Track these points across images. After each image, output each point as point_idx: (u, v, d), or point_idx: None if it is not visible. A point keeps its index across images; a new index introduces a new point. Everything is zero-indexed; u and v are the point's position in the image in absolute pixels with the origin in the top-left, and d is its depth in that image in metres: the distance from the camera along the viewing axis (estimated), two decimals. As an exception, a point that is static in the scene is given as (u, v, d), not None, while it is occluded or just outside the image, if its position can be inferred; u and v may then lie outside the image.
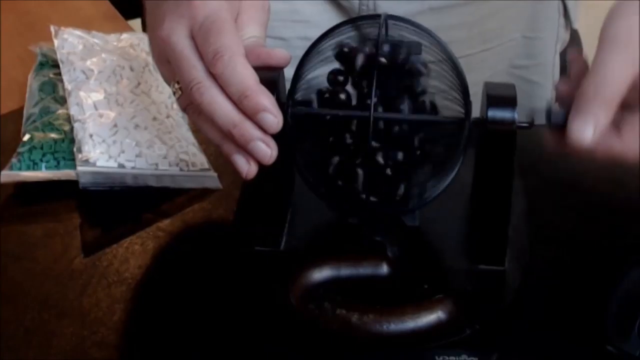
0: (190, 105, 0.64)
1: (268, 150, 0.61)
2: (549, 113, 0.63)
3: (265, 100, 0.60)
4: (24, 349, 0.67)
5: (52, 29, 0.91)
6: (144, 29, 1.07)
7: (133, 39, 0.92)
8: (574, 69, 0.65)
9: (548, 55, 1.06)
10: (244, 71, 0.60)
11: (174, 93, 0.64)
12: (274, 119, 0.60)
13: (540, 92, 1.05)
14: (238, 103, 0.60)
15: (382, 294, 0.66)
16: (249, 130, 0.61)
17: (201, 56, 0.62)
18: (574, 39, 1.20)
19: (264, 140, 0.61)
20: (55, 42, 0.90)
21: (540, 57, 1.05)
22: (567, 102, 0.62)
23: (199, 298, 0.70)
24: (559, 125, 0.62)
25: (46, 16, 1.04)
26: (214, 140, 0.63)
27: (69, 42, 0.90)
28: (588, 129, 0.60)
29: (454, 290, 0.66)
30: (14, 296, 0.71)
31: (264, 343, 0.65)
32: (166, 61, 0.64)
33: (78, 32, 0.91)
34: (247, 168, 0.62)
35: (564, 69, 1.07)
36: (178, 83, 0.64)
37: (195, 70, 0.61)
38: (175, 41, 0.62)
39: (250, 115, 0.60)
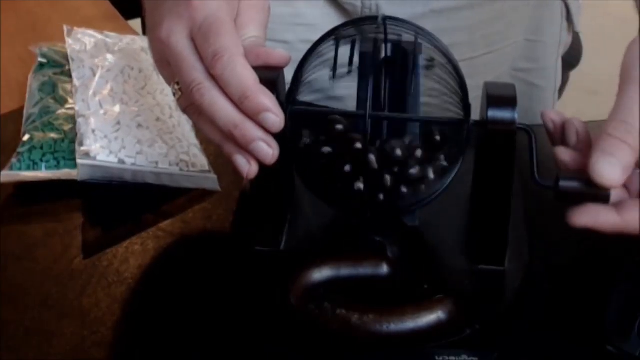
0: (190, 106, 0.64)
1: (270, 150, 0.61)
2: (557, 179, 0.60)
3: (266, 100, 0.60)
4: (24, 349, 0.67)
5: (65, 28, 0.92)
6: (144, 29, 1.07)
7: (146, 43, 0.92)
8: (572, 137, 0.64)
9: (550, 59, 1.06)
10: (244, 71, 0.60)
11: (174, 94, 0.64)
12: (276, 118, 0.60)
13: (542, 95, 1.05)
14: (239, 104, 0.60)
15: (382, 294, 0.66)
16: (250, 130, 0.61)
17: (201, 57, 0.62)
18: (575, 40, 1.20)
19: (265, 140, 0.61)
20: (69, 40, 0.90)
21: (543, 60, 1.05)
22: (574, 170, 0.61)
23: (199, 298, 0.70)
24: (571, 190, 0.60)
25: (46, 16, 1.04)
26: (215, 140, 0.63)
27: (81, 41, 0.90)
28: (616, 170, 0.58)
29: (454, 290, 0.66)
30: (14, 296, 0.71)
31: (264, 343, 0.65)
32: (166, 62, 0.64)
33: (91, 32, 0.92)
34: (248, 168, 0.62)
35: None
36: (178, 84, 0.64)
37: (195, 71, 0.61)
38: (175, 42, 0.62)
39: (252, 115, 0.60)
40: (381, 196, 0.67)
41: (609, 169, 0.58)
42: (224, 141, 0.63)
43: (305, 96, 0.69)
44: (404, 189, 0.67)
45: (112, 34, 0.93)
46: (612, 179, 0.58)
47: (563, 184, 0.60)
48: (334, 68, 0.68)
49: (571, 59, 1.37)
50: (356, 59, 0.69)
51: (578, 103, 1.50)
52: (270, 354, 0.65)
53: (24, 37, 0.99)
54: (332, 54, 0.68)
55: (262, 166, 0.62)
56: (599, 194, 0.60)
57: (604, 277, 0.69)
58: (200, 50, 0.62)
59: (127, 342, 0.68)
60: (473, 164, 0.68)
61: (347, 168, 0.67)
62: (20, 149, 0.80)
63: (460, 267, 0.70)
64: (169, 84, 0.65)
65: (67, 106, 0.84)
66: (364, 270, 0.67)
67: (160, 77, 0.87)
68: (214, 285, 0.71)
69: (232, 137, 0.61)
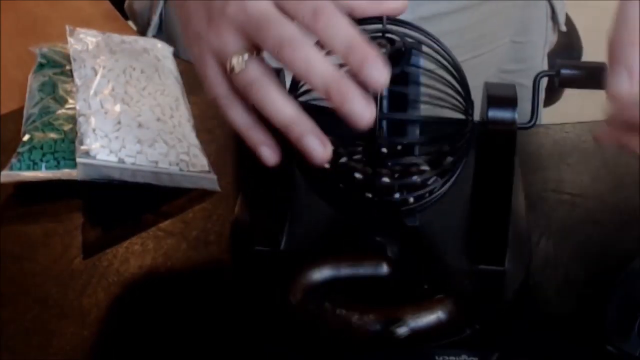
0: (255, 82, 0.60)
1: (367, 105, 0.57)
2: (558, 69, 0.62)
3: (373, 51, 0.57)
4: (24, 349, 0.67)
5: (67, 28, 0.92)
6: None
7: (148, 44, 0.93)
8: None
9: (537, 59, 1.07)
10: (348, 23, 0.58)
11: (233, 68, 0.60)
12: (384, 70, 0.57)
13: (530, 95, 1.05)
14: (345, 56, 0.57)
15: (382, 294, 0.66)
16: (349, 88, 0.57)
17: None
18: (575, 40, 1.20)
19: (363, 95, 0.57)
20: (71, 40, 0.90)
21: (529, 60, 1.05)
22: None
23: (199, 298, 0.70)
24: (573, 78, 0.61)
25: (46, 16, 1.04)
26: (281, 120, 0.59)
27: (83, 41, 0.90)
28: (624, 79, 0.57)
29: (454, 290, 0.66)
30: (14, 296, 0.71)
31: (264, 343, 0.65)
32: (232, 30, 0.60)
33: (93, 32, 0.92)
34: (322, 150, 0.59)
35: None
36: (243, 56, 0.60)
37: (288, 26, 0.58)
38: (256, 4, 0.59)
39: (357, 67, 0.57)
40: (382, 197, 0.67)
41: (615, 80, 0.57)
42: (294, 121, 0.59)
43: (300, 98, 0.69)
44: (405, 191, 0.67)
45: (114, 34, 0.93)
46: (620, 90, 0.57)
47: (564, 72, 0.63)
48: None
49: (571, 58, 1.37)
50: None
51: (578, 102, 1.50)
52: (270, 354, 0.65)
53: (24, 37, 0.99)
54: None
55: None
56: (599, 81, 0.61)
57: (604, 277, 0.69)
58: (292, 12, 0.59)
59: (127, 342, 0.68)
60: (473, 164, 0.68)
61: (349, 169, 0.67)
62: (20, 149, 0.80)
63: (460, 267, 0.70)
64: (225, 58, 0.61)
65: (67, 106, 0.84)
66: (364, 270, 0.67)
67: (162, 77, 0.87)
68: (214, 285, 0.71)
69: (329, 96, 0.57)
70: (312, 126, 0.59)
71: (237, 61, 0.60)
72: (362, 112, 0.57)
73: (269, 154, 0.62)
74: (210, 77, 0.63)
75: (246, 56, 0.60)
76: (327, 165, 0.67)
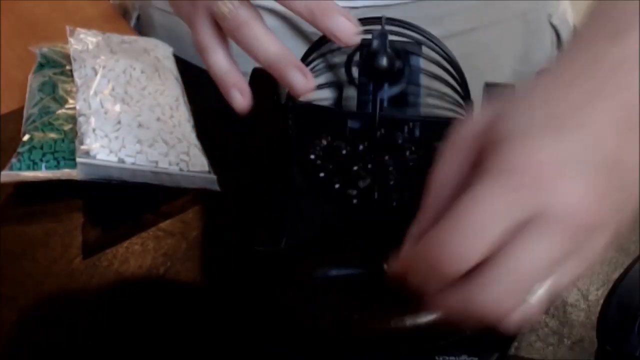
0: (238, 25, 0.62)
1: (350, 24, 0.60)
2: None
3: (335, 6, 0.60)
4: (24, 349, 0.67)
5: (68, 28, 0.92)
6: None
7: (148, 44, 0.93)
8: None
9: None
10: None
11: (223, 15, 0.63)
12: (348, 21, 0.59)
13: None
14: (308, 14, 0.60)
15: (382, 294, 0.66)
16: (330, 6, 0.59)
17: None
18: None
19: (346, 16, 0.60)
20: (71, 40, 0.90)
21: None
22: None
23: (199, 298, 0.70)
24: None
25: (46, 16, 1.04)
26: (272, 56, 0.62)
27: (83, 41, 0.90)
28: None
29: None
30: (14, 296, 0.71)
31: (264, 343, 0.65)
32: None
33: (93, 32, 0.92)
34: (305, 82, 0.61)
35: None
36: (233, 1, 0.62)
37: None
38: None
39: (322, 21, 0.59)
40: (382, 197, 0.67)
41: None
42: (281, 55, 0.61)
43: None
44: (406, 190, 0.67)
45: (114, 34, 0.93)
46: None
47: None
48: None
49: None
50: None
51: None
52: (270, 354, 0.65)
53: (24, 37, 0.99)
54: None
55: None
56: None
57: (604, 277, 0.69)
58: None
59: (128, 342, 0.68)
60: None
61: (348, 167, 0.67)
62: (20, 149, 0.80)
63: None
64: (215, 6, 0.63)
65: (67, 106, 0.84)
66: (364, 269, 0.67)
67: (162, 77, 0.87)
68: (214, 285, 0.71)
69: (313, 17, 0.60)
70: (295, 61, 0.61)
71: (227, 7, 0.62)
72: (346, 26, 0.59)
73: (239, 97, 0.64)
74: (199, 26, 0.65)
75: (236, 3, 0.62)
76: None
